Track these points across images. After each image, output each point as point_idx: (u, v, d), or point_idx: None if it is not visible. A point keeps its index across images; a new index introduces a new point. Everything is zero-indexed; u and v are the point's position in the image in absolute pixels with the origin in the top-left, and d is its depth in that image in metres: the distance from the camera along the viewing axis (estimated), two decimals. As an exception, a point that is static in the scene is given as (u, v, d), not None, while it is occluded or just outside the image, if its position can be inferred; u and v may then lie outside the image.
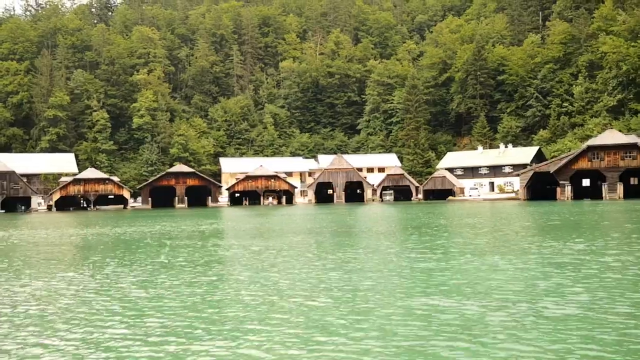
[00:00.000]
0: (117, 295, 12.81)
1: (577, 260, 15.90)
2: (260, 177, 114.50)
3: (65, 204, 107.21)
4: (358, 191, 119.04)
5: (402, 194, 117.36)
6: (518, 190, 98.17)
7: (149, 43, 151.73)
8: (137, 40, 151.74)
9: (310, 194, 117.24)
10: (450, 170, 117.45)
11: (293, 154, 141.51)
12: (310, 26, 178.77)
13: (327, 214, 58.85)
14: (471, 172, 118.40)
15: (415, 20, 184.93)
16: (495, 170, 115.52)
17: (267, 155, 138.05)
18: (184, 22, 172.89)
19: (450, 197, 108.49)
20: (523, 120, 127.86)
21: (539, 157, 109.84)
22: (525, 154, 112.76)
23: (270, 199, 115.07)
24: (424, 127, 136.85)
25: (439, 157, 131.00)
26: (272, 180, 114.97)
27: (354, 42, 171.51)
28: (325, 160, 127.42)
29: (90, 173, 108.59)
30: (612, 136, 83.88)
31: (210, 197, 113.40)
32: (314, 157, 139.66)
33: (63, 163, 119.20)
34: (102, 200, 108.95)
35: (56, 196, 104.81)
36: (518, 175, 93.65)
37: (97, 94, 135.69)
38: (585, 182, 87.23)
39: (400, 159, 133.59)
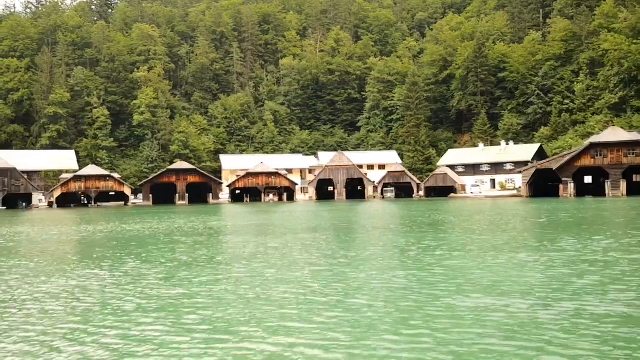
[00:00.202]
0: (150, 292, 12.63)
1: (609, 258, 15.79)
2: (261, 174, 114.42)
3: (66, 200, 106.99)
4: (359, 188, 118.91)
5: (403, 191, 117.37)
6: (520, 188, 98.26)
7: (149, 40, 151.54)
8: (137, 38, 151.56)
9: (311, 191, 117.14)
10: (451, 167, 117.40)
11: (293, 151, 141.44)
12: (311, 23, 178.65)
13: (330, 210, 58.72)
14: (472, 169, 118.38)
15: (416, 17, 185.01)
16: (497, 167, 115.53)
17: (267, 152, 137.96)
18: (184, 19, 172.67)
19: (452, 194, 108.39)
20: (524, 118, 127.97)
21: (540, 155, 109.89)
22: (526, 151, 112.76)
23: (271, 195, 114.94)
24: (424, 124, 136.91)
25: (440, 154, 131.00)
26: (273, 177, 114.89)
27: (354, 39, 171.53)
28: (326, 157, 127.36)
29: (91, 170, 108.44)
30: (615, 133, 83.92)
31: (211, 194, 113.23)
32: (314, 154, 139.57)
33: (63, 160, 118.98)
34: (103, 197, 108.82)
35: (57, 193, 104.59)
36: (520, 172, 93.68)
37: (97, 91, 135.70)
38: (588, 180, 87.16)
39: (401, 156, 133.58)
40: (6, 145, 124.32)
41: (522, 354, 7.59)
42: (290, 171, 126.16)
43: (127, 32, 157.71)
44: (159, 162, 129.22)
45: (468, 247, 19.42)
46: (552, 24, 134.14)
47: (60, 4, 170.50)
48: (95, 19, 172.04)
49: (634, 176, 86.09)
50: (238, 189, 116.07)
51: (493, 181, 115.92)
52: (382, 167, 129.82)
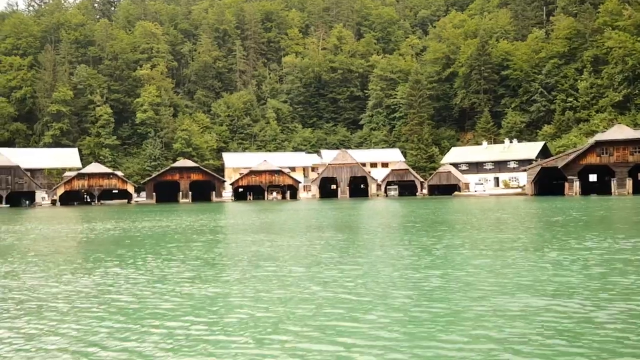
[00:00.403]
0: (183, 291, 12.43)
1: (641, 257, 15.65)
2: (265, 172, 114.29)
3: (69, 198, 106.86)
4: (362, 186, 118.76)
5: (406, 189, 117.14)
6: (524, 186, 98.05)
7: (152, 38, 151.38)
8: (140, 36, 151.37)
9: (314, 189, 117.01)
10: (455, 165, 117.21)
11: (295, 149, 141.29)
12: (313, 21, 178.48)
13: (336, 209, 58.49)
14: (476, 167, 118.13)
15: (418, 15, 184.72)
16: (500, 165, 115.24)
17: (269, 150, 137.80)
18: (187, 17, 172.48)
19: (456, 193, 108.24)
20: (527, 116, 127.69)
21: (544, 153, 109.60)
22: (530, 149, 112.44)
23: (275, 194, 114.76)
24: (427, 122, 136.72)
25: (443, 152, 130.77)
26: (276, 175, 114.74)
27: (356, 37, 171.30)
28: (329, 155, 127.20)
29: (95, 168, 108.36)
30: (621, 131, 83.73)
31: (214, 192, 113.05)
32: (317, 152, 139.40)
33: (66, 158, 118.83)
34: (106, 195, 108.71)
35: (60, 191, 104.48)
36: (525, 170, 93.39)
37: (100, 89, 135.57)
38: (592, 178, 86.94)
39: (404, 154, 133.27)
40: (9, 143, 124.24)
41: (593, 355, 7.40)
42: (292, 169, 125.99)
43: (129, 30, 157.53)
44: (161, 160, 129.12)
45: (493, 246, 19.23)
46: (555, 21, 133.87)
47: (63, 1, 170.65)
48: (98, 16, 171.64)
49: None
50: (241, 187, 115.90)
51: (497, 179, 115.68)
52: (385, 165, 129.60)
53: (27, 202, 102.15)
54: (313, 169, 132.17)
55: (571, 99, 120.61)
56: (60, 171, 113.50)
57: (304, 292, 11.93)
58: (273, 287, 12.58)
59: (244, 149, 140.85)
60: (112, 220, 45.27)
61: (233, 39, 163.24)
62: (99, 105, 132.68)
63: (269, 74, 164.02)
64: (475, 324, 8.99)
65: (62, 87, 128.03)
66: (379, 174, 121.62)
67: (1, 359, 8.11)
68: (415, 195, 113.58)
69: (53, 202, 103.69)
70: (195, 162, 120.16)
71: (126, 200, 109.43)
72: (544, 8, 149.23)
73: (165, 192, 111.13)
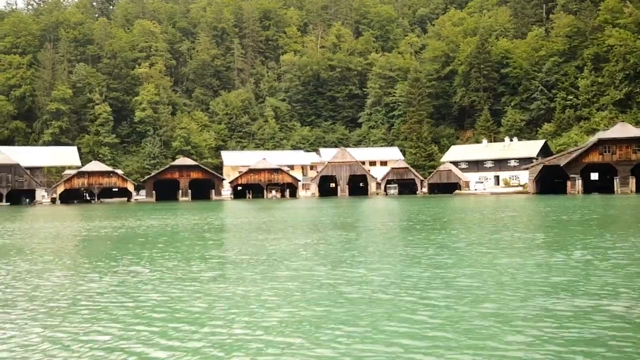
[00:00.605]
0: (214, 290, 12.20)
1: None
2: (264, 170, 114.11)
3: (69, 196, 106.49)
4: (361, 184, 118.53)
5: (406, 187, 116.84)
6: (525, 184, 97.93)
7: (150, 36, 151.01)
8: (138, 34, 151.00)
9: (314, 187, 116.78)
10: (454, 163, 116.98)
11: (294, 147, 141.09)
12: (311, 19, 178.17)
13: (339, 207, 58.22)
14: (476, 165, 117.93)
15: (417, 13, 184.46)
16: (501, 163, 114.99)
17: (268, 149, 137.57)
18: (185, 15, 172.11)
19: (456, 191, 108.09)
20: (527, 114, 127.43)
21: (545, 151, 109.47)
22: (531, 147, 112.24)
23: (274, 192, 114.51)
24: (426, 120, 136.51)
25: (442, 150, 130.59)
26: (276, 174, 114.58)
27: (355, 35, 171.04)
28: (328, 154, 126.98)
29: (95, 166, 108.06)
30: (624, 129, 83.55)
31: (213, 191, 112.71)
32: (315, 150, 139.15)
33: (66, 156, 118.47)
34: (106, 193, 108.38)
35: (60, 189, 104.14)
36: (527, 169, 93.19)
37: (99, 87, 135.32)
38: (594, 176, 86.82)
39: (403, 152, 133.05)
40: (8, 141, 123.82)
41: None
42: (291, 167, 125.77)
43: (128, 29, 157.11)
44: (160, 159, 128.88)
45: (515, 245, 19.05)
46: (555, 19, 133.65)
47: (61, 0, 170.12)
48: (97, 15, 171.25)
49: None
50: (240, 185, 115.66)
51: (497, 178, 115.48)
52: (384, 163, 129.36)
53: (27, 200, 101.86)
54: (312, 168, 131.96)
55: (572, 97, 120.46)
56: (60, 169, 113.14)
57: (338, 292, 11.73)
58: (304, 287, 12.39)
59: (243, 148, 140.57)
60: (117, 218, 45.04)
61: (231, 37, 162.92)
62: (98, 104, 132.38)
63: (267, 72, 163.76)
64: (529, 324, 8.79)
65: (61, 86, 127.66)
66: (378, 172, 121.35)
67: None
68: (415, 193, 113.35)
69: (53, 200, 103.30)
70: (194, 160, 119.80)
71: (126, 199, 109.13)
72: (544, 6, 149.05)
73: (164, 191, 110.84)
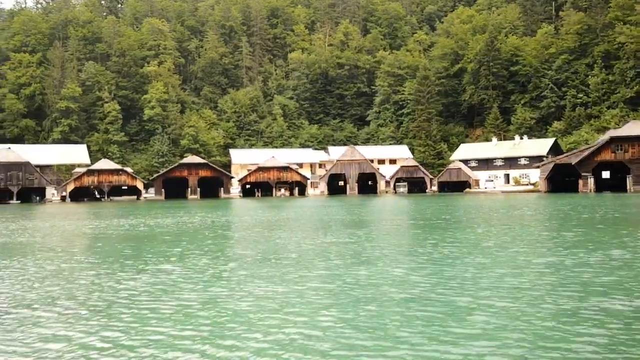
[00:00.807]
0: (255, 290, 12.05)
1: None
2: (272, 168, 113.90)
3: (79, 194, 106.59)
4: (370, 183, 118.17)
5: (415, 185, 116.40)
6: (536, 183, 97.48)
7: (159, 35, 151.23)
8: (147, 32, 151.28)
9: (323, 186, 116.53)
10: (464, 162, 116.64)
11: (302, 146, 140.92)
12: (319, 17, 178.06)
13: (351, 205, 57.90)
14: (485, 163, 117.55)
15: (425, 10, 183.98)
16: (511, 162, 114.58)
17: (276, 147, 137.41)
18: (193, 14, 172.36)
19: (467, 190, 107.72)
20: (537, 112, 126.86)
21: (555, 149, 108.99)
22: (541, 145, 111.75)
23: (283, 190, 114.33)
24: (435, 118, 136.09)
25: (451, 148, 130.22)
26: (285, 172, 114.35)
27: (362, 33, 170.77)
28: (336, 152, 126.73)
29: (104, 164, 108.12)
30: (636, 127, 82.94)
31: (222, 189, 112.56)
32: (324, 148, 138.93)
33: (75, 154, 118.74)
34: (115, 191, 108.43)
35: (70, 187, 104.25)
36: (538, 167, 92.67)
37: (108, 85, 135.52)
38: (605, 174, 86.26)
39: (412, 150, 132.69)
40: (18, 139, 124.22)
41: None
42: (300, 165, 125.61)
43: (137, 27, 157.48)
44: (169, 157, 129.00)
45: (546, 244, 18.82)
46: (565, 16, 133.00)
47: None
48: (105, 13, 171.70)
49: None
50: (249, 183, 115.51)
51: (507, 176, 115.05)
52: (392, 161, 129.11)
53: (38, 198, 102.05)
54: (320, 166, 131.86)
55: (582, 95, 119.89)
56: (69, 167, 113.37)
57: (382, 292, 11.54)
58: (347, 287, 12.19)
59: (251, 146, 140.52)
60: (132, 216, 44.92)
61: (239, 35, 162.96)
62: (107, 102, 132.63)
63: (275, 70, 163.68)
64: (595, 324, 8.60)
65: (70, 84, 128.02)
66: (387, 170, 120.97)
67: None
68: (425, 192, 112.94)
69: (62, 198, 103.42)
70: (203, 158, 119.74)
71: (135, 197, 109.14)
72: (553, 3, 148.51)
73: (173, 189, 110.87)
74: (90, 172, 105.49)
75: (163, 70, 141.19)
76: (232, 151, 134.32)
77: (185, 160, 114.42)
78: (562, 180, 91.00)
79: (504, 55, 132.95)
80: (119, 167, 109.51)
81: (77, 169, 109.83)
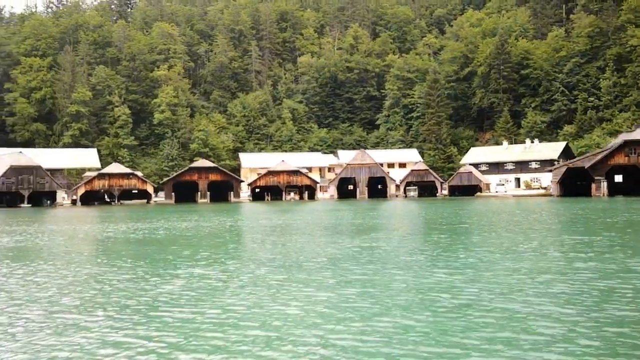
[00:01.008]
0: (296, 293, 11.83)
1: None
2: (282, 172, 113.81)
3: (89, 198, 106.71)
4: (379, 187, 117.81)
5: (425, 189, 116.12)
6: (548, 186, 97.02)
7: (168, 39, 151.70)
8: (157, 37, 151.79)
9: (332, 190, 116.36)
10: (474, 165, 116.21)
11: (311, 149, 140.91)
12: (328, 21, 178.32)
13: (366, 209, 57.43)
14: (496, 167, 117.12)
15: (434, 14, 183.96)
16: (522, 165, 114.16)
17: (285, 151, 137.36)
18: (203, 18, 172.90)
19: (478, 193, 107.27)
20: (548, 115, 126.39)
21: (566, 153, 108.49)
22: (552, 149, 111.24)
23: (292, 194, 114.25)
24: (445, 122, 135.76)
25: (461, 152, 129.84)
26: (294, 176, 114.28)
27: (372, 36, 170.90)
28: (346, 156, 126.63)
29: (115, 168, 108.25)
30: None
31: (232, 193, 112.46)
32: (333, 152, 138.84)
33: (86, 158, 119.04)
34: (126, 195, 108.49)
35: (81, 191, 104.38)
36: (550, 171, 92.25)
37: (118, 89, 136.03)
38: (618, 178, 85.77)
39: (421, 154, 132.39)
40: (29, 143, 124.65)
41: None
42: (309, 169, 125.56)
43: (147, 31, 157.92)
44: (179, 161, 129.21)
45: (580, 249, 18.52)
46: (576, 19, 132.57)
47: (80, 3, 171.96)
48: (115, 18, 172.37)
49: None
50: (259, 187, 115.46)
51: (518, 180, 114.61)
52: (402, 165, 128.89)
53: (49, 201, 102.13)
54: (330, 170, 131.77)
55: (593, 98, 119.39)
56: (80, 171, 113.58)
57: (429, 299, 11.24)
58: (389, 292, 11.92)
59: (260, 149, 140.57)
60: (147, 220, 44.77)
61: (249, 39, 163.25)
62: (117, 106, 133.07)
63: (285, 74, 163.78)
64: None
65: (81, 88, 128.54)
66: (396, 174, 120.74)
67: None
68: (436, 195, 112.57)
69: (73, 202, 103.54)
70: (212, 162, 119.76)
71: (145, 200, 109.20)
72: (563, 6, 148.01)
73: (183, 192, 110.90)
74: (101, 176, 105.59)
75: (173, 75, 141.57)
76: (241, 155, 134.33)
77: (195, 164, 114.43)
78: (574, 184, 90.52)
79: (514, 59, 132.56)
80: (129, 171, 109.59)
81: (88, 173, 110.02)
